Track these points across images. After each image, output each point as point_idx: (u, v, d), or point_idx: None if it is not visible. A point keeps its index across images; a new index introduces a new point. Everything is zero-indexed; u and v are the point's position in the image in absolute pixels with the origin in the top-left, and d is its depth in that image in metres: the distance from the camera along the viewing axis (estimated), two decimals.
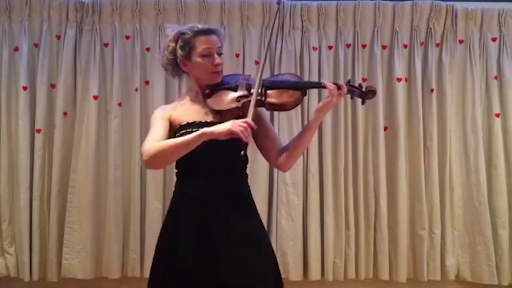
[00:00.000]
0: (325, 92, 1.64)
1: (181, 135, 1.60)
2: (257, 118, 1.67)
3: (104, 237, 2.78)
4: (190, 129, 1.60)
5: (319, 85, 1.66)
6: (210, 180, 1.63)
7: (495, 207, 2.82)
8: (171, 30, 1.71)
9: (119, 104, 2.80)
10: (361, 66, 2.85)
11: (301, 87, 1.68)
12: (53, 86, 2.84)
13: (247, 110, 1.57)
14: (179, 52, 1.67)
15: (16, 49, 2.82)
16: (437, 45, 2.87)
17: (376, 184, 2.81)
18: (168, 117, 1.67)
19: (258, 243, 1.67)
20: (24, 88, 2.78)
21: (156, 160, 1.54)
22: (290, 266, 2.74)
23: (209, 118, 1.66)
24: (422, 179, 2.80)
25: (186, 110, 1.69)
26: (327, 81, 1.67)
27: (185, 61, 1.67)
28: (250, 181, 1.75)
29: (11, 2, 2.81)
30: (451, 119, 2.84)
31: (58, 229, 2.77)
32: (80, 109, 2.80)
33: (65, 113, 2.80)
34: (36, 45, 2.83)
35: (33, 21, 2.83)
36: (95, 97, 2.78)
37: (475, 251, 2.82)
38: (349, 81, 1.69)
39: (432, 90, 2.83)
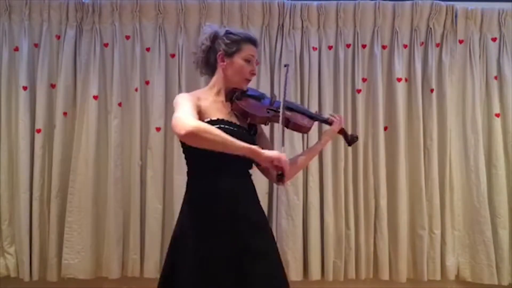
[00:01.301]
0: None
1: None
2: (259, 134, 1.84)
3: (104, 237, 2.78)
4: (223, 125, 1.65)
5: (326, 121, 1.98)
6: (236, 176, 1.71)
7: (495, 207, 2.82)
8: (210, 29, 1.80)
9: (119, 104, 2.80)
10: (361, 66, 2.85)
11: (313, 118, 1.92)
12: (53, 86, 2.84)
13: (270, 122, 1.82)
14: (223, 47, 1.75)
15: (16, 49, 2.82)
16: (437, 45, 2.87)
17: (376, 184, 2.81)
18: (198, 106, 1.67)
19: (269, 234, 1.78)
20: (24, 88, 2.78)
21: (193, 137, 1.51)
22: (290, 266, 2.74)
23: (233, 119, 1.73)
24: (422, 179, 2.80)
25: (210, 105, 1.72)
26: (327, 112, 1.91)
27: (226, 57, 1.75)
28: None
29: (11, 2, 2.81)
30: (451, 119, 2.84)
31: (58, 229, 2.77)
32: (80, 109, 2.80)
33: (65, 113, 2.80)
34: (36, 45, 2.83)
35: (33, 21, 2.83)
36: (95, 97, 2.78)
37: (475, 251, 2.82)
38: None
39: (432, 90, 2.83)
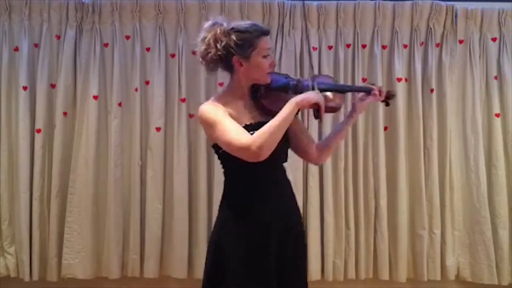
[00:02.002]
0: None
1: None
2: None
3: (104, 237, 2.78)
4: (254, 131, 1.54)
5: (364, 90, 1.85)
6: (277, 177, 1.73)
7: (495, 207, 2.82)
8: (214, 23, 1.63)
9: (119, 104, 2.80)
10: (361, 66, 2.85)
11: (345, 91, 1.85)
12: (53, 86, 2.84)
13: (301, 111, 1.73)
14: (235, 49, 1.59)
15: (16, 49, 2.82)
16: (437, 45, 2.87)
17: (376, 184, 2.81)
18: (229, 113, 1.60)
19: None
20: (24, 88, 2.78)
21: (268, 148, 1.49)
22: None
23: (259, 118, 1.66)
24: (422, 179, 2.80)
25: (237, 110, 1.64)
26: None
27: (243, 60, 1.61)
28: None
29: (11, 2, 2.81)
30: (451, 119, 2.84)
31: (58, 229, 2.78)
32: (80, 109, 2.80)
33: (65, 113, 2.80)
34: (36, 45, 2.83)
35: (33, 21, 2.83)
36: (95, 97, 2.79)
37: (475, 251, 2.82)
38: (372, 84, 1.88)
39: (432, 90, 2.83)
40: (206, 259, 1.70)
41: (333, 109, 1.77)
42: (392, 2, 2.86)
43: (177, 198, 2.76)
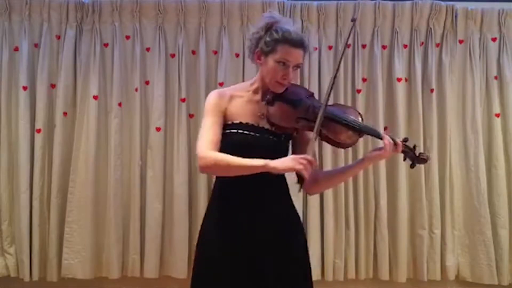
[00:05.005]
0: None
1: (232, 133, 1.61)
2: (302, 137, 1.70)
3: (104, 237, 2.78)
4: (242, 131, 1.60)
5: (378, 136, 1.62)
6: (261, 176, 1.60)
7: (495, 207, 2.82)
8: (268, 18, 1.65)
9: (119, 104, 2.80)
10: (361, 66, 2.85)
11: (361, 131, 1.61)
12: (53, 86, 2.84)
13: (302, 131, 1.64)
14: (262, 44, 1.63)
15: (16, 49, 2.82)
16: (437, 45, 2.87)
17: (376, 184, 2.81)
18: (223, 111, 1.64)
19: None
20: (24, 88, 2.78)
21: (210, 170, 1.55)
22: None
23: (262, 123, 1.64)
24: (422, 179, 2.80)
25: (242, 105, 1.66)
26: (383, 132, 1.64)
27: (261, 55, 1.64)
28: None
29: (11, 2, 2.81)
30: (451, 119, 2.84)
31: (58, 229, 2.78)
32: (80, 109, 2.80)
33: (65, 113, 2.80)
34: (36, 45, 2.83)
35: (33, 21, 2.83)
36: (95, 97, 2.79)
37: (475, 251, 2.82)
38: (405, 140, 1.65)
39: (432, 90, 2.83)
40: None
41: (334, 142, 1.62)
42: (392, 2, 2.86)
43: (177, 198, 2.76)
